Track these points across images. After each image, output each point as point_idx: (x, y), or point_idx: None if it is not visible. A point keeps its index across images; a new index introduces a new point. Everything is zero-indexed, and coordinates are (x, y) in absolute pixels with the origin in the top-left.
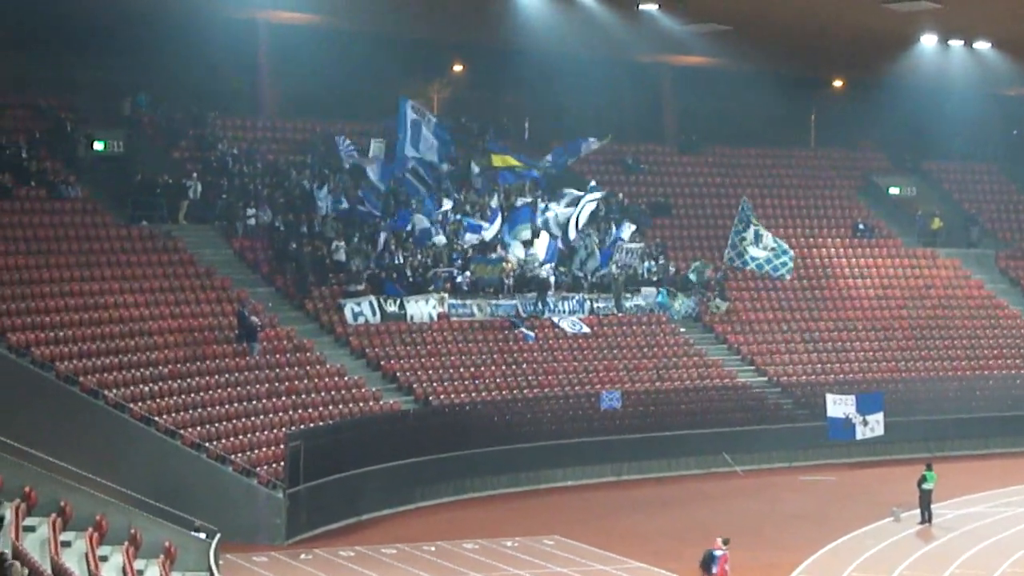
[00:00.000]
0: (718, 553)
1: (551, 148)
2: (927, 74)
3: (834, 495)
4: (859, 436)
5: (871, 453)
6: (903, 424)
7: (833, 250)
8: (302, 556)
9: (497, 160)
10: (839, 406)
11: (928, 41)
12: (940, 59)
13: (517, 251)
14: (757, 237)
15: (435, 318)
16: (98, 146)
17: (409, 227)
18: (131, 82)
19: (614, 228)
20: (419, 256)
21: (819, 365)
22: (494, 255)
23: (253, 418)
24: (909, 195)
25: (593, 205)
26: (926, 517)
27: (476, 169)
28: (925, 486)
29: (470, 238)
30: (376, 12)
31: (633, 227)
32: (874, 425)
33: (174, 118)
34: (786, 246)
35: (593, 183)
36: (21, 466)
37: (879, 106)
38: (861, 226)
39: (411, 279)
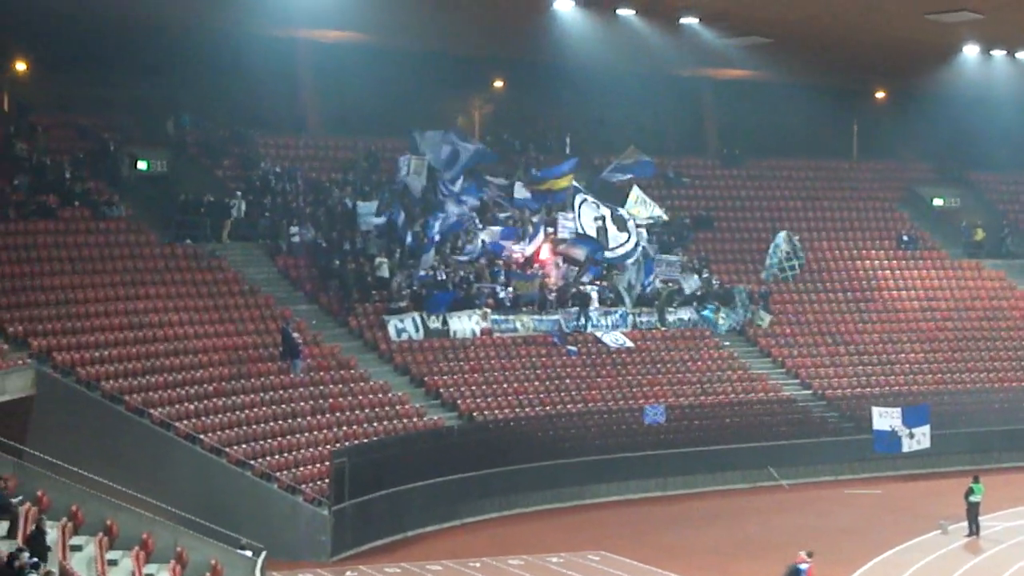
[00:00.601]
0: (804, 567)
1: (592, 163)
2: (970, 84)
3: (881, 508)
4: (905, 449)
5: (917, 466)
6: (949, 436)
7: (877, 262)
8: (347, 573)
9: (563, 182)
10: (885, 419)
11: (970, 51)
12: (983, 69)
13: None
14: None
15: (478, 334)
16: (142, 166)
17: (436, 229)
18: (174, 102)
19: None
20: (461, 272)
21: (864, 378)
22: (530, 271)
23: (298, 435)
24: (953, 206)
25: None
26: (974, 529)
27: (524, 193)
28: (972, 498)
29: (505, 245)
30: (416, 29)
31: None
32: (920, 438)
33: (217, 137)
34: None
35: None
36: (68, 485)
37: (922, 117)
38: (905, 238)
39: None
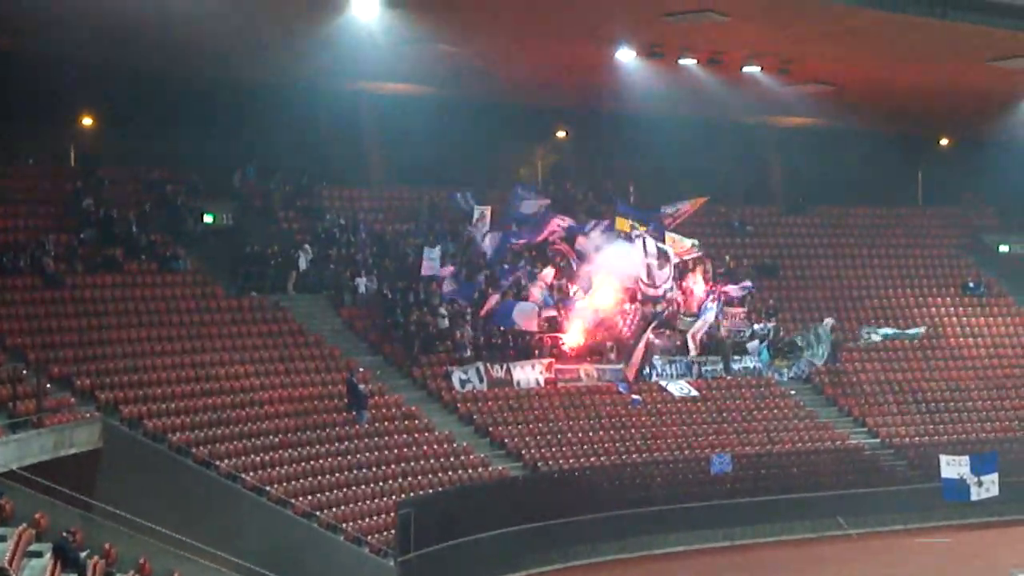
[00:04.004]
0: None
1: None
2: None
3: (951, 557)
4: (974, 497)
5: (986, 514)
6: (1018, 484)
7: (943, 308)
8: None
9: (621, 224)
10: (953, 467)
11: None
12: None
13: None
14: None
15: (542, 383)
16: (207, 219)
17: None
18: (239, 155)
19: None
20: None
21: (932, 426)
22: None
23: (363, 486)
24: (1019, 252)
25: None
26: None
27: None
28: None
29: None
30: (478, 80)
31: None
32: (989, 485)
33: (282, 189)
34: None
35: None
36: (135, 538)
37: (986, 163)
38: (971, 284)
39: (513, 346)
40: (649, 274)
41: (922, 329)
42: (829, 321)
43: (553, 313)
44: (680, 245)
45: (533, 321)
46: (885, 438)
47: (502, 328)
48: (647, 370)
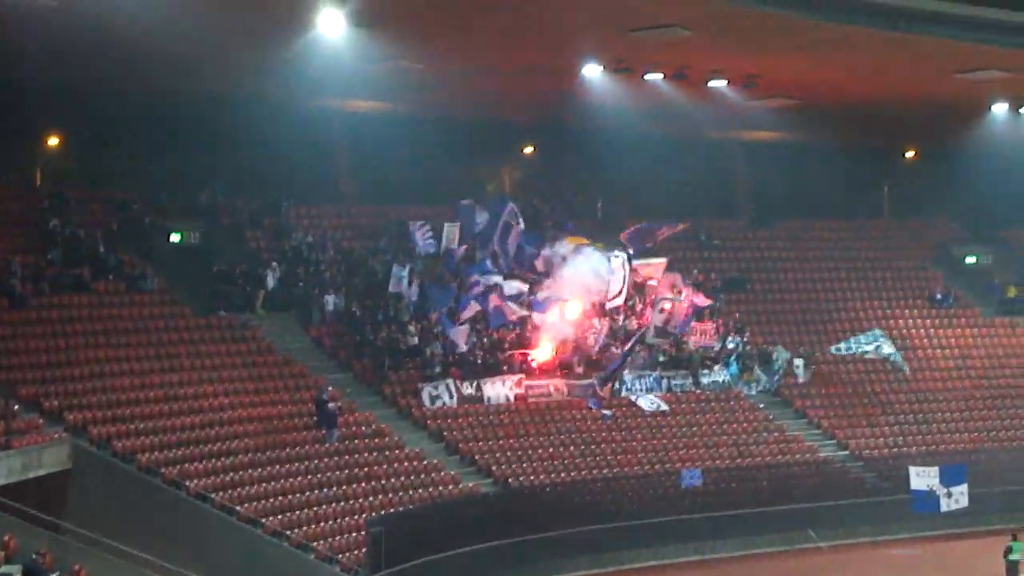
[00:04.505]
0: None
1: (625, 227)
2: (999, 142)
3: (921, 569)
4: (944, 508)
5: (956, 525)
6: (987, 495)
7: (911, 321)
8: None
9: (572, 241)
10: (922, 478)
11: (999, 109)
12: (1012, 126)
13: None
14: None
15: (512, 399)
16: (175, 238)
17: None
18: (206, 173)
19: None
20: (488, 339)
21: (901, 438)
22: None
23: (333, 504)
24: (986, 264)
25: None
26: None
27: (561, 252)
28: (1012, 557)
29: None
30: (446, 98)
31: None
32: (958, 497)
33: (250, 208)
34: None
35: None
36: (104, 559)
37: (953, 175)
38: (939, 296)
39: (480, 362)
40: (609, 285)
41: (904, 365)
42: (784, 352)
43: (525, 313)
44: (648, 271)
45: (513, 315)
46: (854, 450)
47: (491, 331)
48: (617, 385)
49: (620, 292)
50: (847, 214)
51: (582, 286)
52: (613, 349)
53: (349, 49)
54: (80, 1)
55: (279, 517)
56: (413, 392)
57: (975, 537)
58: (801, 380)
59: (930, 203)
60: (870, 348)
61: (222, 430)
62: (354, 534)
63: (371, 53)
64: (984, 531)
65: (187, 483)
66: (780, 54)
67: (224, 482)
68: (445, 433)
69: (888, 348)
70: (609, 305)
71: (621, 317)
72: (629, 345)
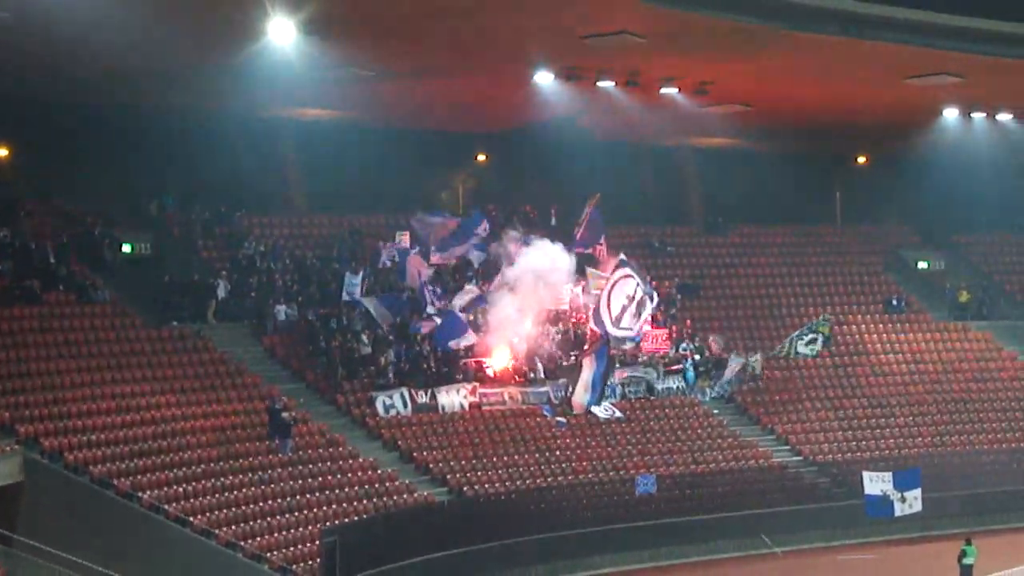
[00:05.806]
0: None
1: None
2: (951, 147)
3: (875, 573)
4: (898, 513)
5: (910, 530)
6: (941, 499)
7: (864, 326)
8: None
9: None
10: (876, 483)
11: (951, 114)
12: (963, 132)
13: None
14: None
15: (466, 407)
16: (126, 249)
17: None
18: (157, 184)
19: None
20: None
21: (855, 443)
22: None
23: (287, 515)
24: (938, 269)
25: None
26: None
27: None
28: (966, 561)
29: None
30: (397, 106)
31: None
32: (912, 501)
33: (200, 218)
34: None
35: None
36: (57, 572)
37: (905, 181)
38: (894, 301)
39: (435, 370)
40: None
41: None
42: (738, 360)
43: (472, 341)
44: (600, 282)
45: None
46: (808, 456)
47: (440, 351)
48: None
49: (572, 288)
50: (800, 220)
51: (534, 273)
52: (574, 356)
53: (300, 57)
54: (32, 14)
55: (233, 528)
56: (367, 401)
57: (929, 542)
58: (757, 373)
59: (882, 209)
60: (808, 351)
61: (175, 441)
62: (308, 544)
63: (322, 61)
64: (938, 535)
65: (140, 495)
66: (732, 61)
67: (177, 493)
68: (399, 442)
69: (818, 344)
70: (563, 303)
71: (572, 323)
72: (605, 364)
